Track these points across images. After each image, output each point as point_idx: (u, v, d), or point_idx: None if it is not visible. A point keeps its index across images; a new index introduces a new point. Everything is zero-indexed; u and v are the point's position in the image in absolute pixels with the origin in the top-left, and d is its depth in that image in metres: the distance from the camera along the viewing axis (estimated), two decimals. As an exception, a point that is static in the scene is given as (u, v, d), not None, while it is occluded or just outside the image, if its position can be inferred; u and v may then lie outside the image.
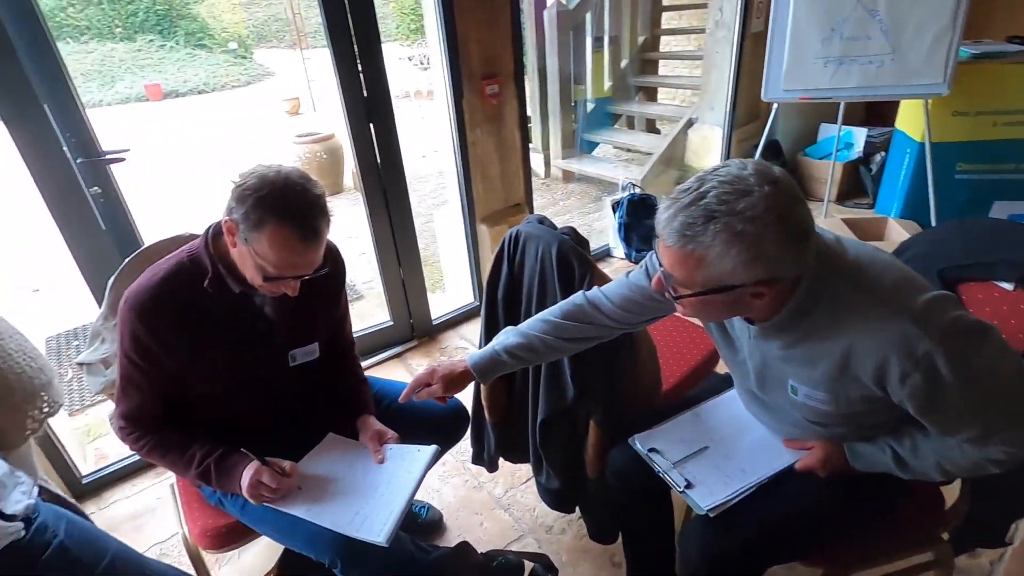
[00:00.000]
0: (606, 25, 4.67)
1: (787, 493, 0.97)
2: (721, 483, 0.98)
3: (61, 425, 1.85)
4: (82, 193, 1.57)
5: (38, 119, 1.45)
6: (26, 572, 0.78)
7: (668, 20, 5.59)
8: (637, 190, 3.25)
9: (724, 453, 1.04)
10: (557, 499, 1.39)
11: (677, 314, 0.91)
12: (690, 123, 4.14)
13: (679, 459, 1.04)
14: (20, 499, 0.80)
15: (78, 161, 1.55)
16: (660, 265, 0.81)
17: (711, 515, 0.94)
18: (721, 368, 1.46)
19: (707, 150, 3.97)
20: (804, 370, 0.86)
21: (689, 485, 0.99)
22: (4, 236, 4.67)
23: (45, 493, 0.89)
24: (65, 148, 1.52)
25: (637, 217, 3.14)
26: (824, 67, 2.48)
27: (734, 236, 0.70)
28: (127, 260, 1.22)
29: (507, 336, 1.08)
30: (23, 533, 0.78)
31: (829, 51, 2.45)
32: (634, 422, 1.14)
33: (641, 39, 5.03)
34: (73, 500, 0.93)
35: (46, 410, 0.71)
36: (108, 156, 1.61)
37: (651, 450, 1.06)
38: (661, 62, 5.34)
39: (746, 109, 3.68)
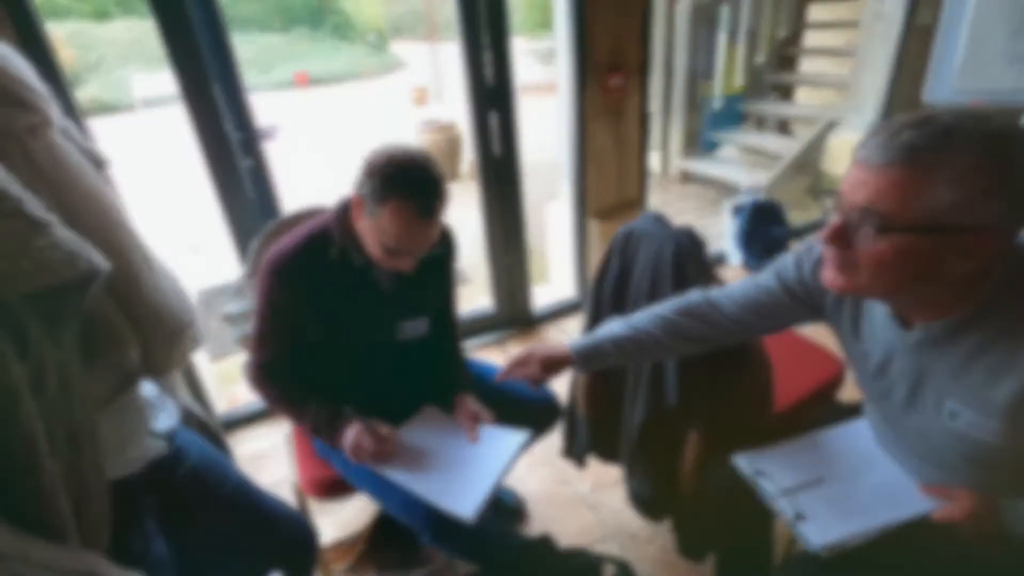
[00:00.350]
0: (743, 18, 4.38)
1: (918, 546, 0.84)
2: (838, 521, 0.88)
3: (204, 368, 2.11)
4: (237, 165, 1.77)
5: (209, 98, 1.65)
6: (162, 484, 0.89)
7: (815, 13, 5.12)
8: (762, 196, 3.03)
9: (844, 489, 0.94)
10: (647, 507, 1.34)
11: (828, 283, 0.74)
12: (831, 126, 3.77)
13: (790, 486, 0.95)
14: (166, 421, 0.92)
15: (236, 137, 1.74)
16: (838, 215, 0.69)
17: (824, 555, 0.85)
18: (845, 395, 1.32)
19: (849, 155, 3.60)
20: (975, 389, 0.71)
21: (800, 517, 0.90)
22: (174, 200, 5.40)
23: (191, 418, 1.01)
24: (227, 124, 1.71)
25: (760, 224, 2.93)
26: (1009, 66, 2.13)
27: (983, 152, 0.59)
28: (269, 226, 1.35)
29: (613, 326, 1.05)
30: (165, 451, 0.89)
31: (1017, 46, 2.10)
32: (740, 439, 1.06)
33: (782, 34, 4.66)
34: (216, 425, 1.05)
35: (190, 345, 0.81)
36: (261, 134, 1.80)
37: (757, 472, 0.98)
38: (802, 58, 4.91)
39: (901, 112, 3.28)
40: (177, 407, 0.97)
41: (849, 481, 0.95)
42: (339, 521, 1.61)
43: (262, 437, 2.01)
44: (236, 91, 1.70)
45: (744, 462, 1.01)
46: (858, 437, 1.02)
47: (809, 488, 0.94)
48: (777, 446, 1.03)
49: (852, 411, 1.07)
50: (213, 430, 1.04)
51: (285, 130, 1.94)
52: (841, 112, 3.71)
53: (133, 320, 0.73)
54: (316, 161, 6.54)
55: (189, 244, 4.32)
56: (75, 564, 0.53)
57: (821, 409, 1.19)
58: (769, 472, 0.98)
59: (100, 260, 0.59)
